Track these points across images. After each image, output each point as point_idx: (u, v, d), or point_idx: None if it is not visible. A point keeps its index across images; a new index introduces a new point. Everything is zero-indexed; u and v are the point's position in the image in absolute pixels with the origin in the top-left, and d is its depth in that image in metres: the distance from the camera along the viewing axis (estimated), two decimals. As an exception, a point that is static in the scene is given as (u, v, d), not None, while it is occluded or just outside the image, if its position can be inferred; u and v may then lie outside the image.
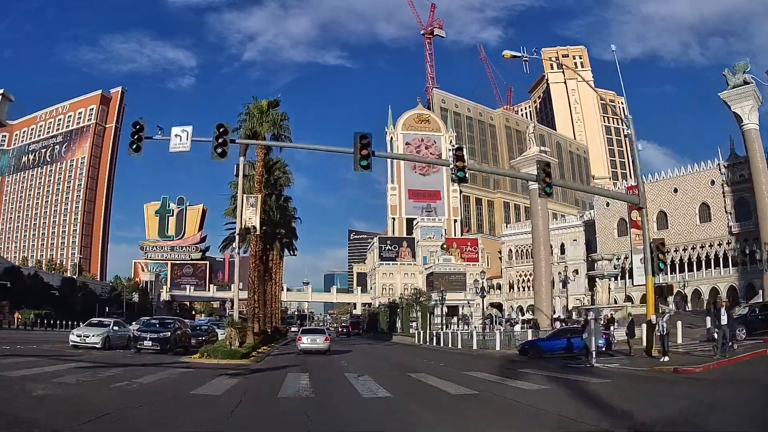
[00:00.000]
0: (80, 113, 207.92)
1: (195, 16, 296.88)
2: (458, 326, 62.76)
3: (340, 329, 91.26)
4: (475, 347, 30.03)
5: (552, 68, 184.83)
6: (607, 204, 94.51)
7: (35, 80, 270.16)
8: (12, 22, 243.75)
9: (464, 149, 19.49)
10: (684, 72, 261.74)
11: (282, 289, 62.05)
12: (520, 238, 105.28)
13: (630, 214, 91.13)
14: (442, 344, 36.81)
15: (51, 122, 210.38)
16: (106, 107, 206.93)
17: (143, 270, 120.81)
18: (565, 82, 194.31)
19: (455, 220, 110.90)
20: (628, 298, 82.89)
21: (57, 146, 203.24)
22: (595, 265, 53.55)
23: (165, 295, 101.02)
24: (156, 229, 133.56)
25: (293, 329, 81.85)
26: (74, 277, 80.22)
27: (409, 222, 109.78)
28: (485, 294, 55.84)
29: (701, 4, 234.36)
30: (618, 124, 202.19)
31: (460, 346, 32.72)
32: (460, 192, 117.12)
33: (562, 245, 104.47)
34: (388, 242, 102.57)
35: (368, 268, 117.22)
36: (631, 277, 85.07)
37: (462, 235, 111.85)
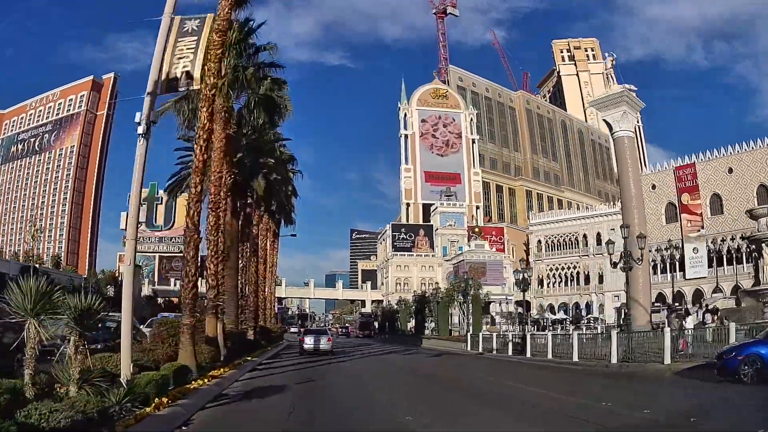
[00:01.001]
0: (71, 100, 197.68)
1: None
2: (521, 327, 49.51)
3: (339, 330, 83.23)
4: (614, 360, 17.06)
5: (563, 60, 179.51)
6: (654, 186, 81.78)
7: (35, 78, 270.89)
8: (14, 21, 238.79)
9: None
10: (689, 74, 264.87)
11: (277, 278, 49.15)
12: (553, 227, 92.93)
13: (680, 197, 78.68)
14: (529, 354, 23.75)
15: (41, 110, 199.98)
16: (98, 93, 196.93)
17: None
18: (577, 75, 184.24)
19: (477, 207, 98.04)
20: (679, 294, 71.16)
21: (46, 135, 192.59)
22: (760, 223, 38.35)
23: (146, 290, 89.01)
24: (144, 219, 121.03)
25: (292, 330, 71.09)
26: (36, 266, 67.46)
27: (426, 208, 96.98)
28: (527, 287, 43.07)
29: (705, 7, 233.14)
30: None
31: (576, 358, 19.73)
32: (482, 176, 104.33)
33: (598, 235, 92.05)
34: (403, 230, 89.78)
35: (378, 261, 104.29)
36: (682, 269, 72.80)
37: (484, 224, 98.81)
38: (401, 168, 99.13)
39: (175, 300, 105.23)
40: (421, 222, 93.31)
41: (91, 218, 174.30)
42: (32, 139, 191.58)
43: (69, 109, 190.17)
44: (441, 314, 47.50)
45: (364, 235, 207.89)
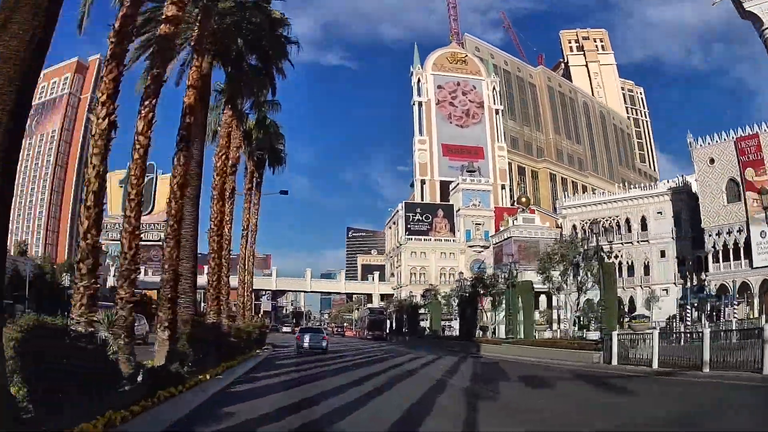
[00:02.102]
0: (54, 83, 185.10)
1: None
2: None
3: (334, 329, 75.69)
4: None
5: (571, 51, 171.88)
6: (712, 161, 68.06)
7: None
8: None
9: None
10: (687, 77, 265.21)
11: (256, 253, 35.39)
12: (589, 211, 79.40)
13: (744, 172, 64.90)
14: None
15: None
16: (83, 76, 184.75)
17: (102, 253, 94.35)
18: (586, 65, 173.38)
19: (502, 186, 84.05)
20: (744, 285, 58.28)
21: (27, 120, 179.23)
22: None
23: (112, 281, 75.78)
24: (119, 203, 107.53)
25: (285, 330, 60.86)
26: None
27: (444, 187, 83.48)
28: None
29: (704, 9, 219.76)
30: (637, 115, 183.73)
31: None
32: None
33: (643, 219, 78.54)
34: (418, 211, 76.05)
35: (388, 248, 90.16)
36: (747, 256, 59.75)
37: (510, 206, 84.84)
38: (414, 140, 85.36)
39: (150, 293, 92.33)
40: (438, 202, 79.36)
41: (71, 209, 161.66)
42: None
43: (52, 93, 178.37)
44: (526, 305, 31.09)
45: (361, 233, 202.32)
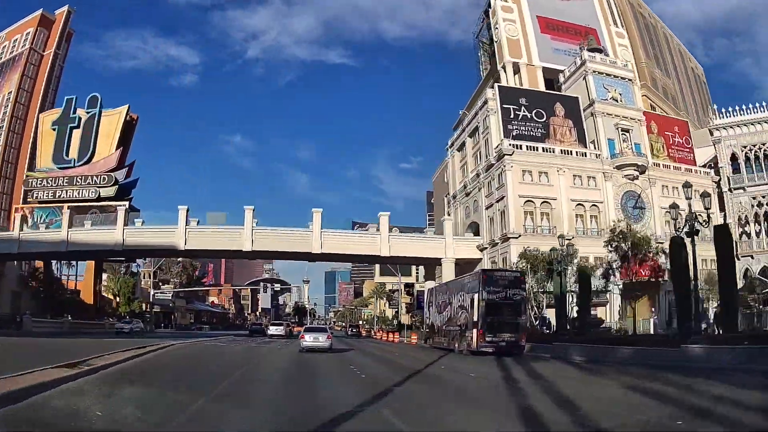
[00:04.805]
0: (15, 41, 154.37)
1: (198, 14, 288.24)
2: None
3: (348, 330, 69.89)
4: None
5: None
6: None
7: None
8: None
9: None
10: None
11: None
12: (760, 132, 46.60)
13: None
14: None
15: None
16: (47, 30, 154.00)
17: (26, 220, 62.81)
18: None
19: (629, 81, 50.31)
20: None
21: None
22: None
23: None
24: (51, 151, 76.11)
25: (272, 332, 45.64)
26: None
27: (549, 81, 50.89)
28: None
29: (705, 3, 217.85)
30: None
31: None
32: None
33: None
34: (524, 102, 42.66)
35: (453, 185, 53.14)
36: None
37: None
38: (494, 4, 52.54)
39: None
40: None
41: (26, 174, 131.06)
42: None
43: (13, 51, 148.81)
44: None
45: (366, 226, 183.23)
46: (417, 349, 31.43)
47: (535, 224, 40.55)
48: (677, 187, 41.03)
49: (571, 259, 30.33)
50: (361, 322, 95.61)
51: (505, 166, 40.66)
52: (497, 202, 42.26)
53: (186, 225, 46.10)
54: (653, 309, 39.51)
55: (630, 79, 47.90)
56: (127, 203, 60.34)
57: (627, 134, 44.42)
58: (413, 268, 77.77)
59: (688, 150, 50.34)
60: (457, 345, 26.56)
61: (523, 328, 25.04)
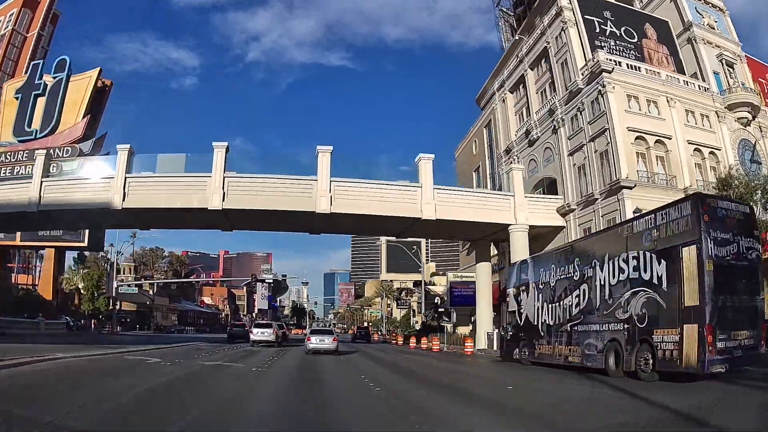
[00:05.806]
0: None
1: (199, 17, 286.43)
2: None
3: (357, 331, 61.34)
4: None
5: None
6: None
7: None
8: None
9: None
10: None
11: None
12: None
13: None
14: None
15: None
16: (31, 12, 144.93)
17: None
18: None
19: (719, 11, 41.67)
20: None
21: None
22: None
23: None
24: (12, 122, 65.05)
25: (259, 336, 33.53)
26: None
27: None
28: None
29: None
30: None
31: None
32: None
33: None
34: (608, 15, 33.18)
35: (514, 133, 41.71)
36: None
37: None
38: None
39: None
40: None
41: None
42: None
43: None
44: None
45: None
46: (505, 369, 18.44)
47: (650, 171, 29.86)
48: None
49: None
50: (368, 324, 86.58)
51: (605, 87, 30.49)
52: (591, 141, 31.47)
53: (126, 174, 30.71)
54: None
55: (721, 9, 39.70)
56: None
57: (731, 70, 36.03)
58: (423, 259, 67.50)
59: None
60: (614, 362, 13.94)
61: (763, 318, 12.78)
